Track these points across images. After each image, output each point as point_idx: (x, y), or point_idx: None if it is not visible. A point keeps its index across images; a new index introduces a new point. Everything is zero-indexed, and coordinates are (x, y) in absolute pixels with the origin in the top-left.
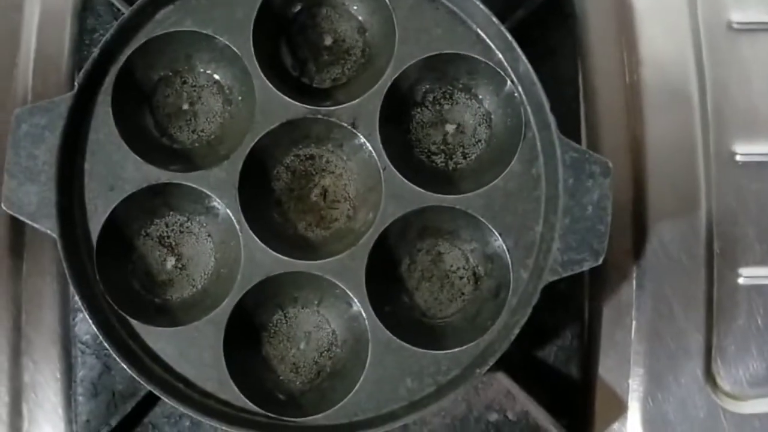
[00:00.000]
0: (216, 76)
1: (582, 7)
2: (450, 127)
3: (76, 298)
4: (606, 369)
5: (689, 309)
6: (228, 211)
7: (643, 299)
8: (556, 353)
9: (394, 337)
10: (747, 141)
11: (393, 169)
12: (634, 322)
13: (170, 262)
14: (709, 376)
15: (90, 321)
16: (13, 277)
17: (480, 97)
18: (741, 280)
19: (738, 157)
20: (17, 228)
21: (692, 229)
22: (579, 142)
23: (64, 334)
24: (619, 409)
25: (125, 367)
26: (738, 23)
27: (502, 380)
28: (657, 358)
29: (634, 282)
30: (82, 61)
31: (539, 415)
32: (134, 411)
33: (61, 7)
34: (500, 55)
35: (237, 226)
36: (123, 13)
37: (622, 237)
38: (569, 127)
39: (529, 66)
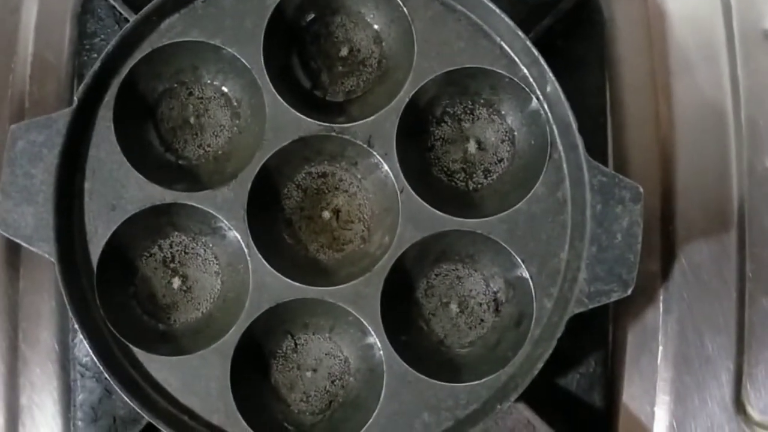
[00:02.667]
0: (224, 88)
1: (611, 14)
2: (471, 145)
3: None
4: (630, 396)
5: (718, 334)
6: (236, 232)
7: (670, 324)
8: (579, 381)
9: (411, 369)
10: None
11: (411, 190)
12: (660, 348)
13: (174, 284)
14: (739, 405)
15: (89, 349)
16: (9, 294)
17: (503, 113)
18: None
19: None
20: (13, 243)
21: (723, 251)
22: (606, 156)
23: (62, 355)
24: None
25: (127, 399)
26: None
27: (523, 411)
28: (684, 385)
29: (661, 306)
30: (82, 66)
31: None
32: None
33: (60, 9)
34: (525, 71)
35: (245, 249)
36: (125, 17)
37: (649, 258)
38: (596, 142)
39: (557, 84)
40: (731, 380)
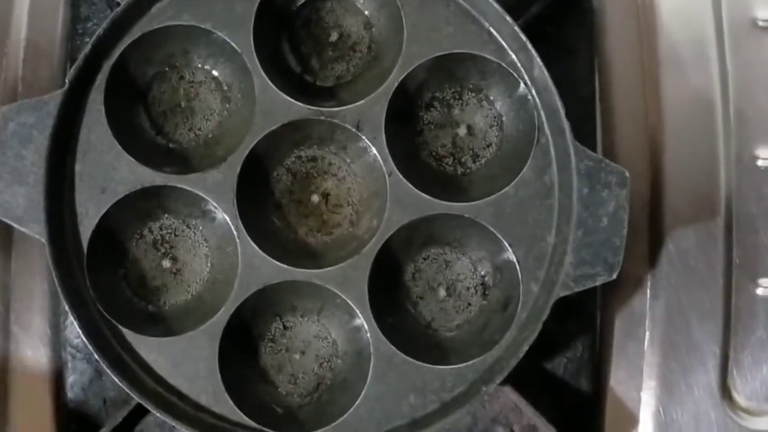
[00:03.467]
0: (214, 72)
1: (600, 2)
2: (459, 129)
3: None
4: (617, 381)
5: (705, 320)
6: (225, 215)
7: (657, 309)
8: (566, 365)
9: (398, 351)
10: None
11: (399, 174)
12: (647, 333)
13: (164, 266)
14: (725, 390)
15: (79, 330)
16: (1, 276)
17: (491, 98)
18: (760, 291)
19: (760, 162)
20: (5, 224)
21: (711, 237)
22: (594, 144)
23: (54, 337)
24: (630, 422)
25: (116, 379)
26: (764, 20)
27: (509, 394)
28: (671, 371)
29: (648, 291)
30: (75, 51)
31: (547, 430)
32: (125, 420)
33: None
34: (513, 56)
35: (234, 232)
36: (117, 1)
37: (636, 244)
38: (584, 129)
39: (544, 69)
40: (717, 366)
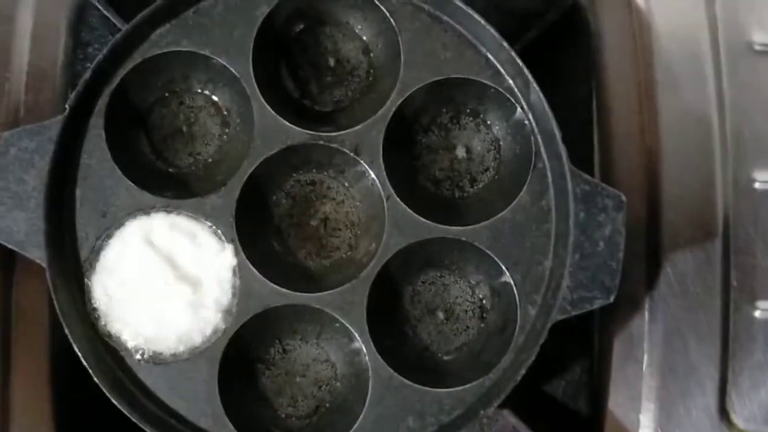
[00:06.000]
0: (214, 98)
1: (597, 25)
2: (456, 153)
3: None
4: (616, 404)
5: (703, 343)
6: (224, 239)
7: (655, 332)
8: (564, 388)
9: (396, 374)
10: (767, 168)
11: (397, 198)
12: (645, 356)
13: None
14: (723, 413)
15: (78, 353)
16: (4, 298)
17: (489, 122)
18: (758, 314)
19: (757, 185)
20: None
21: (708, 260)
22: (592, 167)
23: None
24: None
25: (115, 402)
26: (760, 44)
27: (508, 417)
28: (669, 393)
29: (646, 314)
30: (76, 75)
31: None
32: None
33: (55, 19)
34: (510, 81)
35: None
36: (118, 27)
37: (634, 267)
38: (582, 152)
39: (541, 94)
40: (716, 388)
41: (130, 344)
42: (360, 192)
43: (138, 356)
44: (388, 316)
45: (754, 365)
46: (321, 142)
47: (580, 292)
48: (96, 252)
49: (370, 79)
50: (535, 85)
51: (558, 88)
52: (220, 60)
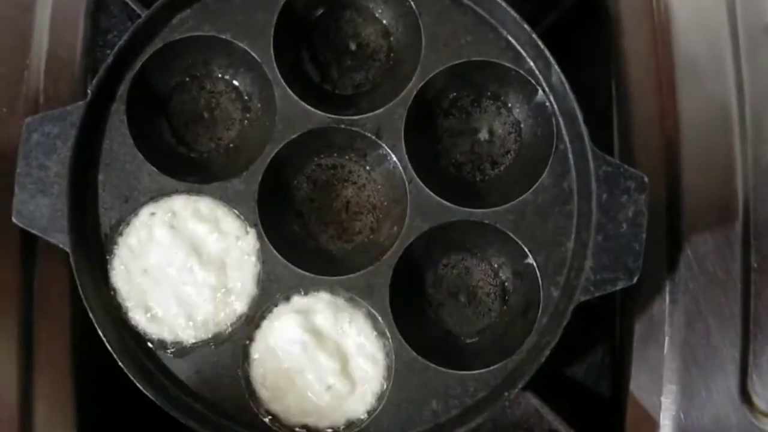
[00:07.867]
0: (235, 82)
1: (616, 9)
2: (478, 136)
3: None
4: (637, 386)
5: (724, 325)
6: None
7: (676, 314)
8: (587, 370)
9: (419, 357)
10: None
11: (419, 181)
12: (666, 338)
13: None
14: (745, 394)
15: (103, 338)
16: (26, 282)
17: (509, 105)
18: None
19: None
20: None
21: (728, 242)
22: (611, 150)
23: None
24: (650, 427)
25: (141, 387)
26: None
27: (530, 399)
28: (690, 375)
29: (667, 297)
30: (96, 62)
31: None
32: None
33: (74, 6)
34: (531, 63)
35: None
36: (137, 13)
37: (655, 249)
38: (601, 135)
39: (562, 76)
40: (737, 370)
41: (154, 329)
42: (382, 175)
43: (162, 341)
44: (411, 299)
45: None
46: (342, 126)
47: (602, 273)
48: (119, 237)
49: (391, 62)
50: (556, 66)
51: (577, 72)
52: (241, 45)
